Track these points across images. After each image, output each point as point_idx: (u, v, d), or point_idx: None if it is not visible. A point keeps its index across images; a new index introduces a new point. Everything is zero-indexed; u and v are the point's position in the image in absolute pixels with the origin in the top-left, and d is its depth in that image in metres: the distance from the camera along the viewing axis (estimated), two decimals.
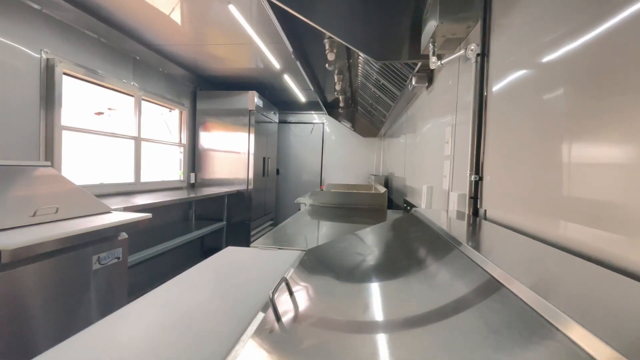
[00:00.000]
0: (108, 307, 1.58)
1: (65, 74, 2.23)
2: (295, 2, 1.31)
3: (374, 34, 1.43)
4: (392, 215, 2.14)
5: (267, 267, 0.88)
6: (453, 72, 1.28)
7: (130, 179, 2.99)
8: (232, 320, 0.57)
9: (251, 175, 3.91)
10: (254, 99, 3.85)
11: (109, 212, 1.75)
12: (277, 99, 4.97)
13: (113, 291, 1.62)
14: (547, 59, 0.65)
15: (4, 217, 1.29)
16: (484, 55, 0.93)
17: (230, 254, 1.02)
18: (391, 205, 2.67)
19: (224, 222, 3.80)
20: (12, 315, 1.14)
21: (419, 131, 1.99)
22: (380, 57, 1.47)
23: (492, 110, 0.89)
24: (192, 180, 3.97)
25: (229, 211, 3.91)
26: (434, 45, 1.16)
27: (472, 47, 0.97)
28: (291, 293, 0.61)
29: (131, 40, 2.81)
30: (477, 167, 0.94)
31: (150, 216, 1.75)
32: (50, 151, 2.10)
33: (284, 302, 0.57)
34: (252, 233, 3.99)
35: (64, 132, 2.22)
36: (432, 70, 1.60)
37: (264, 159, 4.29)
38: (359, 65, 2.46)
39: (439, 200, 1.42)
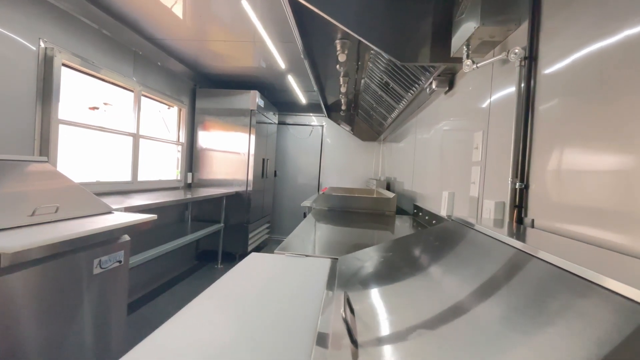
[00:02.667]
0: (107, 313, 1.48)
1: (64, 65, 2.12)
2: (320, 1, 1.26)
3: (400, 34, 1.39)
4: (401, 220, 2.10)
5: (302, 277, 0.82)
6: (484, 76, 1.24)
7: (127, 177, 2.86)
8: (287, 346, 0.51)
9: (251, 177, 3.81)
10: (255, 99, 3.76)
11: (110, 213, 1.65)
12: (276, 100, 4.89)
13: (113, 297, 1.51)
14: (611, 59, 0.61)
15: (1, 216, 1.18)
16: (531, 59, 0.90)
17: (256, 262, 0.95)
18: None
19: (222, 224, 3.69)
20: (8, 322, 1.04)
21: (433, 136, 1.96)
22: (404, 59, 1.43)
23: (541, 116, 0.85)
24: (189, 180, 3.85)
25: (227, 213, 3.80)
26: (468, 48, 1.13)
27: (517, 51, 0.93)
28: (352, 310, 0.55)
29: (132, 32, 2.70)
30: (522, 175, 0.90)
31: (156, 217, 1.66)
32: (45, 146, 1.98)
33: (349, 323, 0.51)
34: (249, 236, 3.88)
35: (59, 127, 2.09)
36: (454, 74, 1.57)
37: (263, 160, 4.20)
38: (367, 67, 2.42)
39: (462, 206, 1.38)
